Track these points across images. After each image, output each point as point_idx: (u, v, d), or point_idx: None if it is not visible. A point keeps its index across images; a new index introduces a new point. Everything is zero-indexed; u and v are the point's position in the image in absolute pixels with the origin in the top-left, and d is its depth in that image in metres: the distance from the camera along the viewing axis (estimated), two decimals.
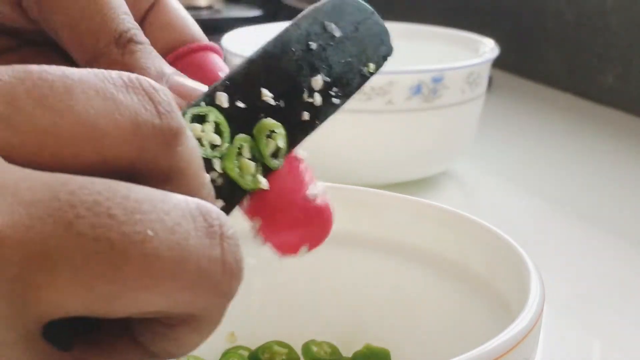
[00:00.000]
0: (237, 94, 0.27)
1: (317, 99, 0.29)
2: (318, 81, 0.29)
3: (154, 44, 0.28)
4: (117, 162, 0.20)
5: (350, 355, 0.41)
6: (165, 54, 0.29)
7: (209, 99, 0.26)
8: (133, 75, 0.20)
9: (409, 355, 0.40)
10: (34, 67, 0.19)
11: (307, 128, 0.29)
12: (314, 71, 0.29)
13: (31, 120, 0.19)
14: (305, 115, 0.28)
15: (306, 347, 0.40)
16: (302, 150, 0.31)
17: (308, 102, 0.29)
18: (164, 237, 0.19)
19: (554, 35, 1.04)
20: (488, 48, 0.76)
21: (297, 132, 0.29)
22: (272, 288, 0.43)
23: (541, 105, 0.99)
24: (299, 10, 0.30)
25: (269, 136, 0.27)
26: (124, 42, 0.27)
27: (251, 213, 0.29)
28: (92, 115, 0.19)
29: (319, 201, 0.29)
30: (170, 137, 0.20)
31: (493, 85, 0.97)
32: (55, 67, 0.20)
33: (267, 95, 0.27)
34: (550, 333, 0.52)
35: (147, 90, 0.20)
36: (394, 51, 0.32)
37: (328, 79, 0.29)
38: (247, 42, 0.77)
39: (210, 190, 0.22)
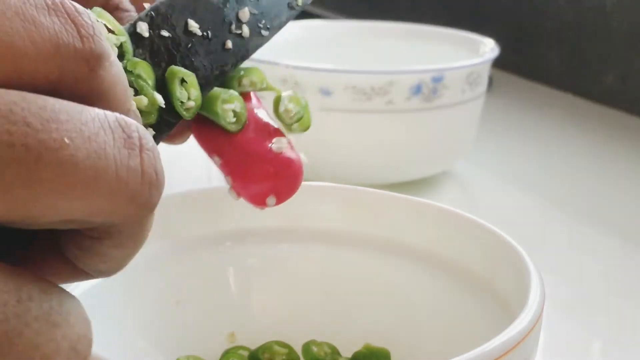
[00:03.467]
0: (163, 23, 0.28)
1: (245, 30, 0.30)
2: (245, 13, 0.30)
3: None
4: (36, 82, 0.20)
5: (350, 355, 0.41)
6: None
7: (132, 28, 0.27)
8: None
9: (409, 355, 0.40)
10: None
11: (233, 57, 0.29)
12: (241, 3, 0.29)
13: None
14: (229, 44, 0.29)
15: (306, 347, 0.40)
16: (302, 154, 0.31)
17: (236, 33, 0.29)
18: (81, 145, 0.19)
19: (554, 35, 1.04)
20: (488, 48, 0.76)
21: (225, 60, 0.29)
22: (272, 288, 0.43)
23: (541, 105, 0.99)
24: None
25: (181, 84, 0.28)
26: None
27: (224, 168, 0.30)
28: (9, 35, 0.19)
29: (288, 153, 0.29)
30: (92, 60, 0.20)
31: (493, 85, 0.97)
32: None
33: (193, 25, 0.28)
34: (550, 333, 0.52)
35: (70, 12, 0.20)
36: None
37: (255, 11, 0.30)
38: None
39: (136, 116, 0.23)
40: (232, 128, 0.29)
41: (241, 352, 0.41)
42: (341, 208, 0.42)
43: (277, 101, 0.32)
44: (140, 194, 0.20)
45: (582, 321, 0.56)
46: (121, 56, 0.27)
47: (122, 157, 0.20)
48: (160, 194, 0.21)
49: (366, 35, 0.87)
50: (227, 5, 0.29)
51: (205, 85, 0.29)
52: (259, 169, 0.30)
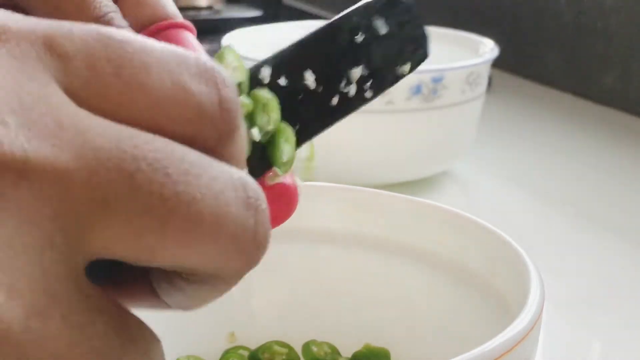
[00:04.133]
0: (282, 72, 0.28)
1: (352, 90, 0.30)
2: (357, 72, 0.29)
3: (127, 19, 0.29)
4: (174, 138, 0.21)
5: (350, 355, 0.41)
6: (138, 31, 0.30)
7: (256, 70, 0.28)
8: (210, 65, 0.22)
9: (409, 355, 0.40)
10: (117, 34, 0.21)
11: (335, 115, 0.29)
12: (356, 62, 0.29)
13: (105, 86, 0.20)
14: (335, 101, 0.29)
15: (306, 347, 0.40)
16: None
17: (343, 92, 0.29)
18: (210, 201, 0.20)
19: (554, 35, 1.04)
20: (488, 48, 0.76)
21: (327, 117, 0.30)
22: (272, 288, 0.43)
23: (541, 106, 0.99)
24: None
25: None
26: None
27: None
28: (160, 95, 0.21)
29: (285, 180, 0.29)
30: (225, 132, 0.22)
31: (493, 85, 0.97)
32: (136, 37, 0.21)
33: (309, 78, 0.28)
34: (550, 333, 0.52)
35: (219, 84, 0.22)
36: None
37: (366, 72, 0.30)
38: (247, 42, 0.77)
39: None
40: (282, 169, 0.29)
41: (241, 352, 0.41)
42: (341, 208, 0.42)
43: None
44: (250, 253, 0.21)
45: (582, 321, 0.56)
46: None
47: (241, 217, 0.21)
48: (264, 254, 0.22)
49: None
50: (343, 62, 0.29)
51: (303, 139, 0.29)
52: None
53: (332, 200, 0.42)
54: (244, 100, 0.27)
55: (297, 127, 0.29)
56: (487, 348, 0.28)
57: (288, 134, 0.28)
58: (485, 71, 0.73)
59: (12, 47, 0.20)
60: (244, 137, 0.23)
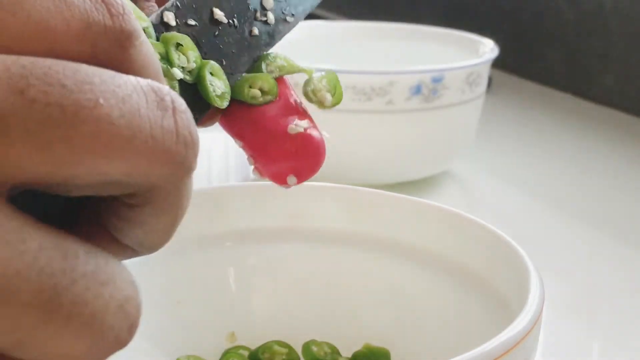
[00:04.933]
0: (189, 13, 0.28)
1: (270, 17, 0.30)
2: (269, 1, 0.30)
3: None
4: (71, 58, 0.20)
5: (350, 355, 0.41)
6: None
7: (159, 18, 0.27)
8: None
9: (409, 355, 0.40)
10: None
11: (260, 43, 0.29)
12: None
13: None
14: (255, 31, 0.29)
15: (306, 347, 0.40)
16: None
17: (262, 20, 0.30)
18: (115, 104, 0.20)
19: (554, 35, 1.04)
20: (488, 48, 0.76)
21: (253, 47, 0.30)
22: (272, 288, 0.43)
23: (541, 105, 0.99)
24: None
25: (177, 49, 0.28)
26: None
27: (247, 148, 0.30)
28: (43, 14, 0.20)
29: (310, 132, 0.29)
30: (123, 38, 0.21)
31: (493, 85, 0.97)
32: None
33: (218, 13, 0.29)
34: (550, 333, 0.52)
35: None
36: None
37: None
38: None
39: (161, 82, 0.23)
40: (258, 102, 0.29)
41: (241, 351, 0.41)
42: (341, 208, 0.42)
43: (307, 82, 0.32)
44: (176, 153, 0.20)
45: (582, 321, 0.56)
46: None
47: (156, 118, 0.20)
48: (195, 154, 0.21)
49: (366, 36, 0.87)
50: None
51: (233, 73, 0.29)
52: (279, 148, 0.30)
53: (332, 200, 0.42)
54: (153, 42, 0.27)
55: (224, 62, 0.28)
56: (487, 348, 0.28)
57: (214, 68, 0.28)
58: (485, 71, 0.73)
59: None
60: (147, 44, 0.22)
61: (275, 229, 0.42)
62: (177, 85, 0.27)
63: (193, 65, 0.28)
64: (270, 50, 0.31)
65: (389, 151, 0.71)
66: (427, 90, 0.69)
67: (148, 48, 0.22)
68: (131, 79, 0.20)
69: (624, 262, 0.64)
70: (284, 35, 0.30)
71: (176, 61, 0.27)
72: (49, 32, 0.20)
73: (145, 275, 0.38)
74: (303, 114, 0.31)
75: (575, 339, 0.54)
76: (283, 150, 0.29)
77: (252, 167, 0.31)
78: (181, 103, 0.21)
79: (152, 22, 0.27)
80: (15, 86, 0.19)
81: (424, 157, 0.73)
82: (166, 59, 0.27)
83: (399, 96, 0.68)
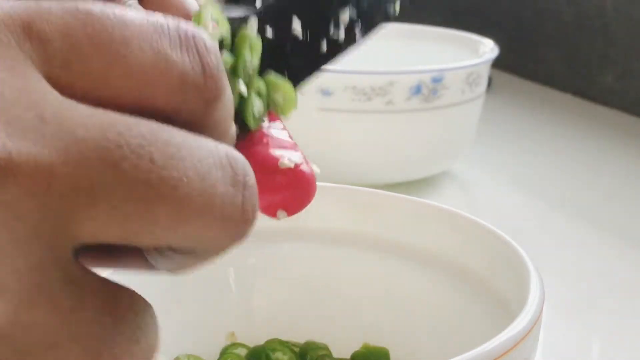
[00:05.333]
0: (269, 24, 0.28)
1: (341, 34, 0.29)
2: (345, 15, 0.29)
3: None
4: (160, 110, 0.21)
5: (349, 355, 0.41)
6: None
7: (240, 25, 0.27)
8: (191, 33, 0.22)
9: (409, 355, 0.40)
10: (96, 9, 0.21)
11: (324, 61, 0.29)
12: (344, 4, 0.29)
13: (87, 65, 0.20)
14: (324, 48, 0.29)
15: (305, 347, 0.40)
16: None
17: (332, 37, 0.29)
18: (196, 183, 0.20)
19: (554, 35, 1.04)
20: (488, 48, 0.76)
21: (316, 64, 0.29)
22: (271, 288, 0.43)
23: (541, 105, 0.99)
24: None
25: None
26: None
27: None
28: (142, 68, 0.21)
29: (302, 167, 0.29)
30: (210, 99, 0.22)
31: (493, 85, 0.97)
32: (115, 10, 0.21)
33: (296, 27, 0.28)
34: (550, 333, 0.52)
35: (200, 50, 0.22)
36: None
37: (354, 15, 0.29)
38: None
39: (233, 139, 0.24)
40: (252, 124, 0.29)
41: (240, 349, 0.41)
42: (341, 208, 0.42)
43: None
44: (237, 230, 0.21)
45: (582, 321, 0.56)
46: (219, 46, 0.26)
47: (228, 195, 0.21)
48: (252, 227, 0.22)
49: None
50: (331, 6, 0.29)
51: (294, 86, 0.28)
52: (270, 181, 0.29)
53: (332, 200, 0.42)
54: (226, 57, 0.26)
55: (286, 75, 0.28)
56: (487, 348, 0.28)
57: (261, 88, 0.27)
58: (485, 71, 0.73)
59: None
60: (230, 101, 0.23)
61: (275, 229, 0.42)
62: (237, 97, 0.26)
63: (251, 72, 0.27)
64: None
65: (388, 151, 0.71)
66: (427, 90, 0.69)
67: (229, 103, 0.23)
68: (212, 148, 0.21)
69: (624, 262, 0.64)
70: (346, 54, 0.30)
71: (244, 68, 0.27)
72: (145, 84, 0.21)
73: (145, 275, 0.38)
74: (293, 147, 0.30)
75: (575, 339, 0.54)
76: (274, 184, 0.29)
77: None
78: (251, 177, 0.22)
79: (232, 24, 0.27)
80: (111, 157, 0.19)
81: (424, 157, 0.73)
82: (232, 70, 0.26)
83: (399, 96, 0.68)
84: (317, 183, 0.44)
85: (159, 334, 0.22)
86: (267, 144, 0.29)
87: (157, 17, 0.21)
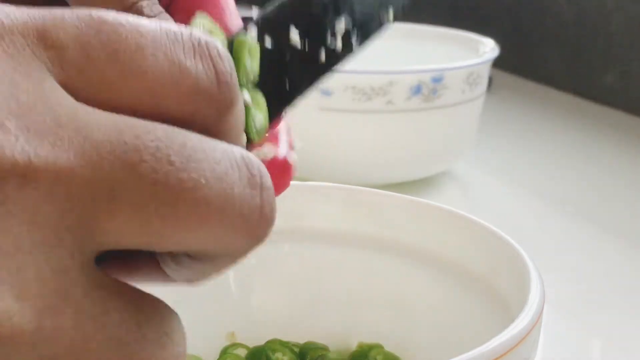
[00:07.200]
0: (267, 34, 0.27)
1: (338, 44, 0.29)
2: (341, 24, 0.29)
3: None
4: (174, 117, 0.21)
5: (349, 355, 0.41)
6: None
7: (243, 34, 0.27)
8: (204, 40, 0.22)
9: (409, 355, 0.40)
10: (109, 18, 0.21)
11: (322, 71, 0.29)
12: (339, 14, 0.29)
13: (101, 73, 0.20)
14: (322, 57, 0.29)
15: (305, 347, 0.40)
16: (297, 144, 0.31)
17: (329, 47, 0.29)
18: (214, 184, 0.20)
19: (554, 35, 1.04)
20: (488, 48, 0.76)
21: (315, 74, 0.29)
22: (271, 288, 0.43)
23: (541, 105, 0.99)
24: None
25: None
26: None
27: None
28: (157, 76, 0.21)
29: (280, 157, 0.29)
30: (223, 107, 0.22)
31: (493, 85, 0.97)
32: (129, 19, 0.21)
33: (294, 37, 0.28)
34: (550, 333, 0.52)
35: (213, 57, 0.22)
36: (410, 6, 0.32)
37: (350, 23, 0.29)
38: None
39: (244, 144, 0.24)
40: (254, 136, 0.29)
41: (240, 350, 0.41)
42: (341, 208, 0.42)
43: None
44: (256, 231, 0.21)
45: (582, 321, 0.56)
46: None
47: (246, 196, 0.21)
48: (271, 229, 0.22)
49: None
50: (327, 16, 0.29)
51: (289, 100, 0.28)
52: None
53: (331, 200, 0.42)
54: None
55: (286, 87, 0.28)
56: (487, 348, 0.28)
57: (260, 101, 0.27)
58: (485, 71, 0.73)
59: (6, 44, 0.20)
60: (242, 109, 0.23)
61: (275, 229, 0.42)
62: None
63: (251, 78, 0.27)
64: None
65: (389, 151, 0.71)
66: (427, 90, 0.69)
67: (241, 112, 0.23)
68: (228, 150, 0.21)
69: (624, 262, 0.64)
70: (344, 63, 0.29)
71: (246, 75, 0.26)
72: (160, 92, 0.21)
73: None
74: (280, 138, 0.30)
75: (575, 339, 0.54)
76: None
77: None
78: (268, 179, 0.22)
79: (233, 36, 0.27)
80: (129, 160, 0.19)
81: (424, 157, 0.73)
82: (236, 68, 0.26)
83: (399, 96, 0.68)
84: (317, 183, 0.44)
85: (186, 342, 0.21)
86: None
87: (171, 25, 0.22)
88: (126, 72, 0.20)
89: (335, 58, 0.29)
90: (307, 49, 0.28)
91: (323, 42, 0.29)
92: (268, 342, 0.41)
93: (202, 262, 0.22)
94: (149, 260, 0.23)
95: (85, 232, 0.19)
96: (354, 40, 0.29)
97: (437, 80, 0.69)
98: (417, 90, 0.68)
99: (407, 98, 0.68)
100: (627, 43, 0.95)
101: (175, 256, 0.22)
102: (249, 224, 0.21)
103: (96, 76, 0.20)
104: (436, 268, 0.40)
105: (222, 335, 0.42)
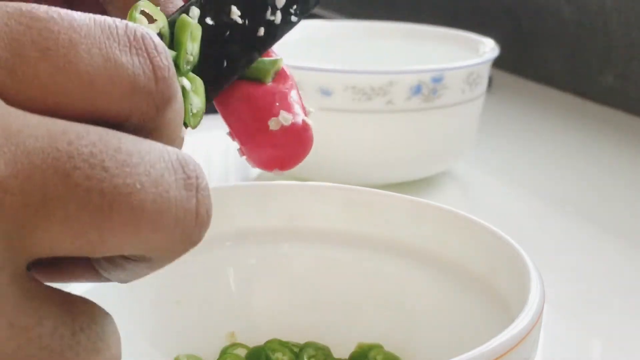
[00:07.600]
0: (210, 10, 0.27)
1: (278, 17, 0.29)
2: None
3: None
4: (110, 116, 0.21)
5: (348, 355, 0.41)
6: None
7: (184, 14, 0.27)
8: (139, 33, 0.21)
9: (409, 355, 0.40)
10: (41, 14, 0.20)
11: (262, 46, 0.29)
12: None
13: (34, 71, 0.20)
14: (261, 31, 0.29)
15: (305, 348, 0.40)
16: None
17: (269, 20, 0.29)
18: (149, 189, 0.20)
19: (554, 35, 1.04)
20: (488, 48, 0.76)
21: (254, 50, 0.29)
22: (271, 288, 0.43)
23: (541, 105, 0.99)
24: None
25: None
26: None
27: (236, 130, 0.30)
28: (91, 74, 0.20)
29: (298, 122, 0.29)
30: (162, 103, 0.21)
31: (493, 85, 0.97)
32: (62, 14, 0.20)
33: (235, 12, 0.28)
34: (550, 333, 0.52)
35: (150, 52, 0.21)
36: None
37: None
38: None
39: (182, 142, 0.24)
40: (191, 122, 0.28)
41: (240, 350, 0.41)
42: (341, 208, 0.42)
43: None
44: (191, 234, 0.21)
45: (582, 321, 0.56)
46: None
47: (182, 199, 0.21)
48: (206, 231, 0.22)
49: (366, 35, 0.87)
50: None
51: (231, 75, 0.28)
52: (265, 136, 0.29)
53: (331, 200, 0.42)
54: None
55: (225, 63, 0.28)
56: (487, 348, 0.28)
57: (197, 84, 0.27)
58: (485, 71, 0.73)
59: None
60: (180, 104, 0.22)
61: (275, 229, 0.42)
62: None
63: (190, 59, 0.27)
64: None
65: (389, 151, 0.71)
66: (427, 90, 0.69)
67: (180, 106, 0.22)
68: (163, 152, 0.21)
69: (624, 262, 0.63)
70: (283, 36, 0.30)
71: (185, 58, 0.26)
72: (95, 90, 0.20)
73: (145, 277, 0.38)
74: (294, 105, 0.30)
75: (575, 339, 0.54)
76: (267, 138, 0.29)
77: (238, 149, 0.30)
78: (203, 179, 0.21)
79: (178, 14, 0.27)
80: (62, 168, 0.19)
81: (424, 157, 0.73)
82: (177, 52, 0.26)
83: (399, 96, 0.68)
84: (317, 183, 0.44)
85: (120, 343, 0.21)
86: (270, 99, 0.30)
87: (105, 18, 0.21)
88: (58, 69, 0.20)
89: (273, 33, 0.29)
90: (247, 24, 0.28)
91: (263, 16, 0.29)
92: (268, 342, 0.41)
93: (136, 263, 0.22)
94: (82, 262, 0.22)
95: (17, 243, 0.19)
96: (293, 13, 0.30)
97: (437, 80, 0.69)
98: (417, 90, 0.68)
99: (407, 98, 0.68)
100: (626, 43, 0.95)
101: (110, 258, 0.22)
102: (184, 228, 0.21)
103: (27, 75, 0.19)
104: (436, 268, 0.40)
105: (222, 335, 0.42)
